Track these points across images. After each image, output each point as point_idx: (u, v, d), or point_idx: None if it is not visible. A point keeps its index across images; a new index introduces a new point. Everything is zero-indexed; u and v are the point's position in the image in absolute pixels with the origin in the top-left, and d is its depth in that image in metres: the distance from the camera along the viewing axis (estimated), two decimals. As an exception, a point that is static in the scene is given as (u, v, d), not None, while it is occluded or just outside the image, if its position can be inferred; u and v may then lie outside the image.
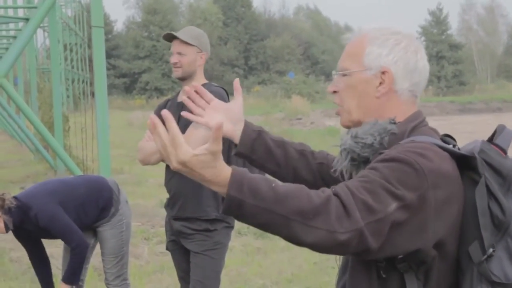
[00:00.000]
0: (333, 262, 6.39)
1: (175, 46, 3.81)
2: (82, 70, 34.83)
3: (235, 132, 2.04)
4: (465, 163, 1.65)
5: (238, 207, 1.46)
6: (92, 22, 7.14)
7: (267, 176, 1.73)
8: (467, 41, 69.84)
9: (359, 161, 1.74)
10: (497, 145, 1.66)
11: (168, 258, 5.43)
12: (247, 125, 2.05)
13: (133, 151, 15.87)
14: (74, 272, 4.30)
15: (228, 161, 3.73)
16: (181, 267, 3.98)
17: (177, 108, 3.81)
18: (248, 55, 66.51)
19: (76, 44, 32.42)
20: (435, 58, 60.59)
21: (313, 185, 1.79)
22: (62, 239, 4.30)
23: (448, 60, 60.20)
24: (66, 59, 27.70)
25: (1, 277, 6.35)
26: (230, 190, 1.46)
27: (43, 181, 4.89)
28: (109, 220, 4.50)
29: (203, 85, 3.76)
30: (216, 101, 2.07)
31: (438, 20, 63.03)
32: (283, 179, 2.04)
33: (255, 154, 2.04)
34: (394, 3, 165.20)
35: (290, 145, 2.06)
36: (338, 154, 1.81)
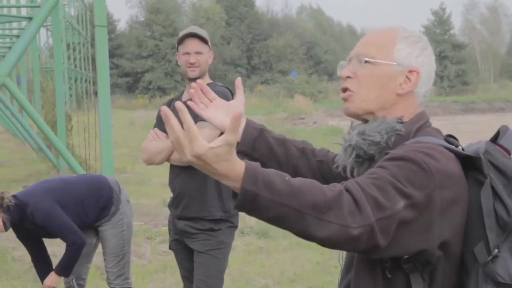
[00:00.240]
0: (335, 262, 6.37)
1: (194, 46, 3.76)
2: (85, 69, 34.86)
3: None
4: (469, 163, 1.65)
5: (252, 201, 1.44)
6: (95, 21, 7.15)
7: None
8: (470, 41, 69.76)
9: (364, 158, 1.74)
10: (501, 146, 1.66)
11: (170, 257, 5.43)
12: (248, 124, 2.04)
13: (136, 151, 15.91)
14: (68, 266, 4.30)
15: None
16: (185, 266, 3.98)
17: (182, 107, 3.81)
18: (251, 54, 66.49)
19: (79, 43, 32.45)
20: (438, 58, 60.31)
21: None
22: (59, 237, 4.29)
23: (451, 60, 60.11)
24: (69, 58, 27.71)
25: (4, 276, 6.36)
26: (244, 183, 1.43)
27: (43, 180, 4.90)
28: (110, 219, 4.50)
29: (208, 84, 3.77)
30: (218, 100, 2.07)
31: (441, 20, 62.93)
32: None
33: (256, 152, 2.03)
34: (397, 3, 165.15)
35: (291, 143, 2.05)
36: (341, 150, 1.80)
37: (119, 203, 4.53)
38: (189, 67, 3.75)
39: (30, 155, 17.01)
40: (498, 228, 1.57)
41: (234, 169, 1.43)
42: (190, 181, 3.76)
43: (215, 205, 3.76)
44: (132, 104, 51.00)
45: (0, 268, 6.61)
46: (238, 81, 2.06)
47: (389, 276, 1.63)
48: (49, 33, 29.21)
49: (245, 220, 8.18)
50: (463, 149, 1.70)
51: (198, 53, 3.75)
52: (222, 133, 1.46)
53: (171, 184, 3.90)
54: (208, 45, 3.81)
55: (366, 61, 1.77)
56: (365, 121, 1.80)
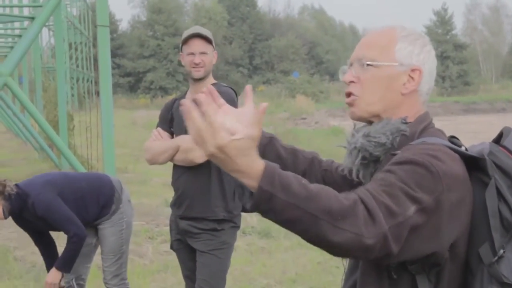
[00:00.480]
0: (337, 262, 6.39)
1: (198, 46, 3.75)
2: (87, 69, 34.85)
3: None
4: (473, 164, 1.64)
5: (268, 201, 1.42)
6: (97, 21, 7.14)
7: None
8: (472, 41, 69.77)
9: (370, 160, 1.73)
10: (505, 147, 1.67)
11: (172, 257, 5.43)
12: None
13: (138, 150, 15.90)
14: (68, 260, 4.30)
15: None
16: (187, 266, 3.98)
17: (186, 107, 3.80)
18: (252, 54, 66.52)
19: (81, 43, 32.45)
20: (440, 58, 60.39)
21: None
22: (60, 229, 4.28)
23: (453, 60, 60.09)
24: (71, 58, 27.72)
25: (5, 276, 6.36)
26: (262, 182, 1.41)
27: (45, 172, 4.93)
28: (110, 218, 4.51)
29: (213, 84, 3.77)
30: (227, 106, 2.07)
31: (443, 20, 62.90)
32: None
33: (265, 159, 2.03)
34: (399, 3, 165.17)
35: (300, 153, 2.05)
36: (346, 153, 1.79)
37: (120, 202, 4.54)
38: (193, 67, 3.75)
39: (32, 155, 17.02)
40: (503, 229, 1.57)
41: (253, 165, 1.41)
42: (194, 181, 3.76)
43: (219, 205, 3.75)
44: (134, 104, 51.02)
45: (2, 268, 6.61)
46: (248, 89, 2.05)
47: (394, 276, 1.63)
48: (51, 32, 29.23)
49: (247, 220, 8.19)
50: (466, 150, 1.70)
51: (202, 53, 3.74)
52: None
53: (174, 183, 3.90)
54: (212, 45, 3.80)
55: (368, 65, 1.76)
56: (370, 123, 1.79)
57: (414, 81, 1.76)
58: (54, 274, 4.34)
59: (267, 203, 1.42)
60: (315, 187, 1.45)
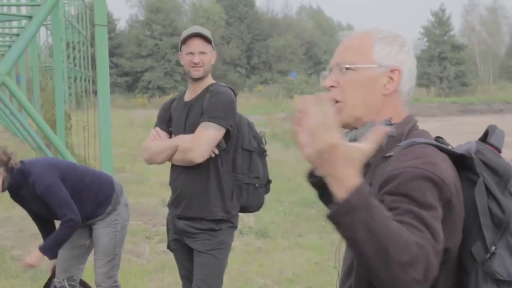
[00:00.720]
0: (333, 262, 6.37)
1: (198, 46, 3.75)
2: (84, 68, 34.86)
3: None
4: (461, 163, 1.65)
5: (346, 214, 1.39)
6: (95, 20, 7.13)
7: None
8: (470, 42, 69.78)
9: None
10: (491, 145, 1.68)
11: (169, 257, 5.43)
12: None
13: (135, 150, 15.89)
14: (55, 244, 4.28)
15: (235, 157, 3.74)
16: (185, 265, 3.97)
17: (185, 107, 3.81)
18: (250, 54, 66.53)
19: (79, 42, 32.45)
20: (438, 59, 60.57)
21: None
22: (57, 211, 4.24)
23: (451, 61, 60.13)
24: (68, 57, 27.70)
25: (2, 275, 6.35)
26: (351, 195, 1.39)
27: (53, 157, 4.92)
28: (104, 218, 4.50)
29: (212, 84, 3.78)
30: None
31: (441, 21, 62.93)
32: None
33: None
34: (396, 3, 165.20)
35: None
36: None
37: (117, 204, 4.53)
38: (193, 67, 3.75)
39: (29, 154, 16.98)
40: (494, 226, 1.58)
41: (351, 179, 1.40)
42: (192, 181, 3.76)
43: (217, 205, 3.75)
44: (132, 103, 50.98)
45: (-1, 267, 6.60)
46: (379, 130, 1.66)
47: None
48: (49, 32, 29.23)
49: (244, 220, 8.18)
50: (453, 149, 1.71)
51: (202, 53, 3.75)
52: None
53: (172, 183, 3.89)
54: (212, 45, 3.81)
55: (347, 68, 1.76)
56: (355, 129, 1.78)
57: (394, 82, 1.76)
58: (36, 256, 4.30)
59: (345, 216, 1.40)
60: (395, 225, 1.42)
